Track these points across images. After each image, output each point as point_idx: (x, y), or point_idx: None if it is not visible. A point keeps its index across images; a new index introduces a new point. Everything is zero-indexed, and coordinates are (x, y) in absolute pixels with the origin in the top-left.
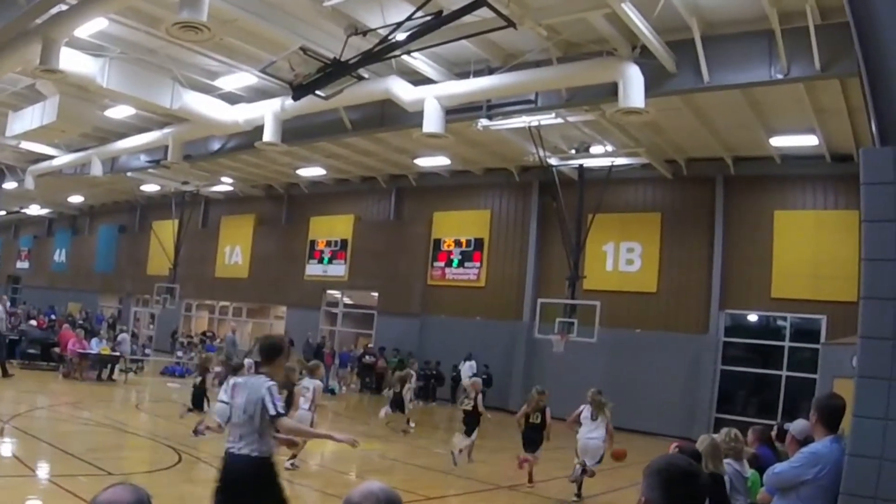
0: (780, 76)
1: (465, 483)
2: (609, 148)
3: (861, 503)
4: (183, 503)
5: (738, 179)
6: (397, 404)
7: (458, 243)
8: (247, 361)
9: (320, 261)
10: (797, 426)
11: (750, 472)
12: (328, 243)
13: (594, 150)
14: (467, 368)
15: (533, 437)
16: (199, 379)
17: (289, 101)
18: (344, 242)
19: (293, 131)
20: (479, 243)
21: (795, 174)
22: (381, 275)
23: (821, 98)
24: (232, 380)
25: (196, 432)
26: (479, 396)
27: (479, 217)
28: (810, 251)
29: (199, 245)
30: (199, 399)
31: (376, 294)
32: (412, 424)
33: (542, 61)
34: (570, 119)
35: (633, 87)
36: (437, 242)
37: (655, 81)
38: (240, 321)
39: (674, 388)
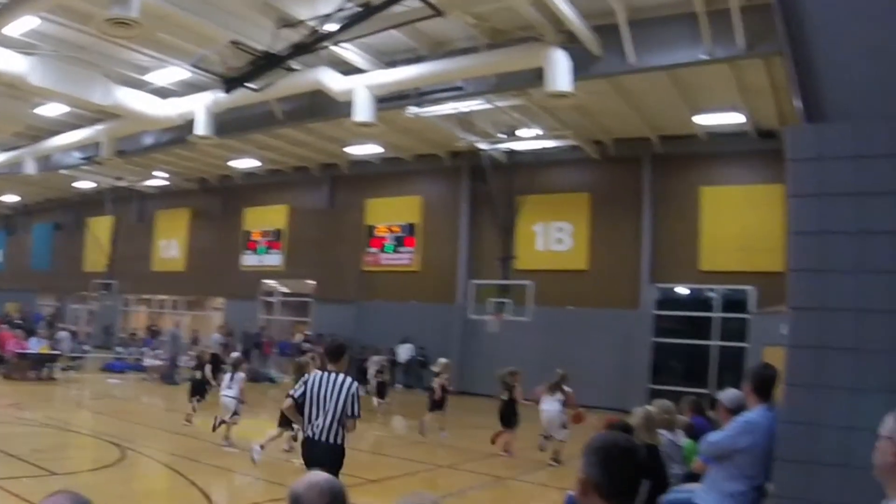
0: (704, 57)
1: (404, 464)
2: (537, 131)
3: (795, 469)
4: (126, 500)
5: (665, 158)
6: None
7: (391, 229)
8: (233, 355)
9: (256, 251)
10: (728, 395)
11: (685, 441)
12: (263, 234)
13: (523, 133)
14: (404, 351)
15: (507, 414)
16: (198, 373)
17: (221, 95)
18: (279, 232)
19: (226, 124)
20: (411, 228)
21: (721, 151)
22: (317, 263)
23: (745, 77)
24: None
25: (214, 428)
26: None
27: (412, 203)
28: (738, 225)
29: (136, 240)
30: (200, 390)
31: (312, 282)
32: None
33: (470, 49)
34: (499, 104)
35: (560, 71)
36: (371, 229)
37: (582, 65)
38: (178, 314)
39: (608, 362)
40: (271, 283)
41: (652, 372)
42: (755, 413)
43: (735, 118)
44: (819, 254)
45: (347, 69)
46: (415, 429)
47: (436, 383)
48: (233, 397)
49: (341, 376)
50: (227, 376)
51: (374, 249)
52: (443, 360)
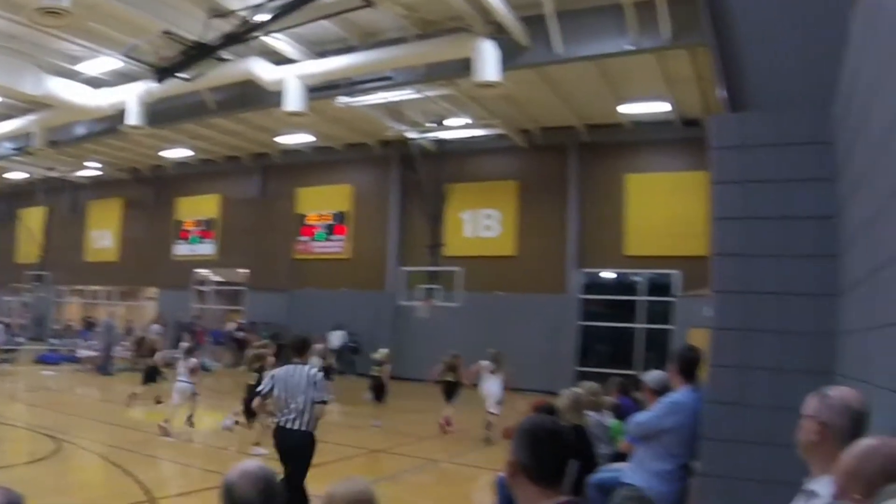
0: (630, 47)
1: (339, 449)
2: (466, 120)
3: (721, 447)
4: (61, 493)
5: (591, 146)
6: None
7: (322, 217)
8: (184, 344)
9: (188, 241)
10: (652, 377)
11: (612, 421)
12: (196, 223)
13: (451, 122)
14: (336, 338)
15: (451, 392)
16: (151, 360)
17: (153, 84)
18: (211, 222)
19: (158, 114)
20: (342, 217)
21: (647, 139)
22: (249, 251)
23: (670, 67)
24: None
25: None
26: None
27: (342, 191)
28: (662, 211)
29: (68, 231)
30: (151, 376)
31: (245, 271)
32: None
33: (400, 39)
34: (428, 94)
35: (488, 61)
36: (302, 217)
37: (510, 55)
38: (111, 304)
39: (537, 346)
40: (204, 272)
41: (579, 355)
42: (680, 394)
43: (660, 107)
44: (742, 239)
45: (278, 59)
46: (350, 414)
47: (382, 372)
48: (188, 382)
49: (306, 367)
50: (180, 363)
51: (305, 238)
52: (384, 350)
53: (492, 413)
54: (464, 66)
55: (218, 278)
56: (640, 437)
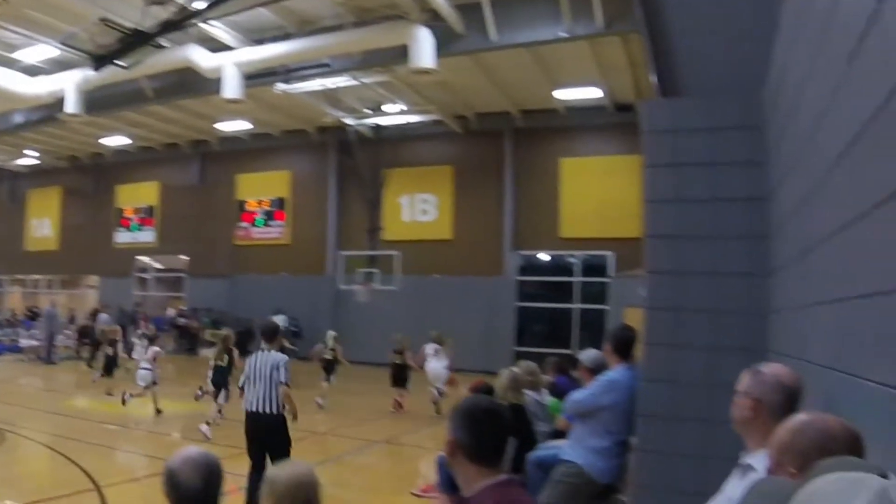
0: (564, 34)
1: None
2: (402, 107)
3: (657, 423)
4: (6, 484)
5: (525, 131)
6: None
7: (261, 203)
8: (147, 332)
9: (129, 228)
10: (588, 356)
11: (549, 399)
12: (136, 211)
13: (388, 109)
14: (278, 322)
15: (400, 376)
16: (110, 349)
17: (91, 72)
18: (151, 209)
19: (96, 102)
20: (281, 203)
21: (580, 124)
22: (190, 238)
23: (604, 53)
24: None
25: (124, 402)
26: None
27: (281, 177)
28: (596, 194)
29: (7, 220)
30: (110, 366)
31: (185, 257)
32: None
33: (337, 26)
34: (365, 81)
35: (424, 48)
36: (242, 204)
37: (445, 43)
38: (53, 293)
39: (475, 327)
40: (145, 259)
41: (516, 335)
42: (616, 372)
43: (593, 93)
44: (674, 220)
45: (216, 46)
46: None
47: (335, 355)
48: (149, 369)
49: (274, 353)
50: (140, 346)
51: (245, 224)
52: (332, 333)
53: (438, 391)
54: (400, 54)
55: (159, 265)
56: (578, 415)
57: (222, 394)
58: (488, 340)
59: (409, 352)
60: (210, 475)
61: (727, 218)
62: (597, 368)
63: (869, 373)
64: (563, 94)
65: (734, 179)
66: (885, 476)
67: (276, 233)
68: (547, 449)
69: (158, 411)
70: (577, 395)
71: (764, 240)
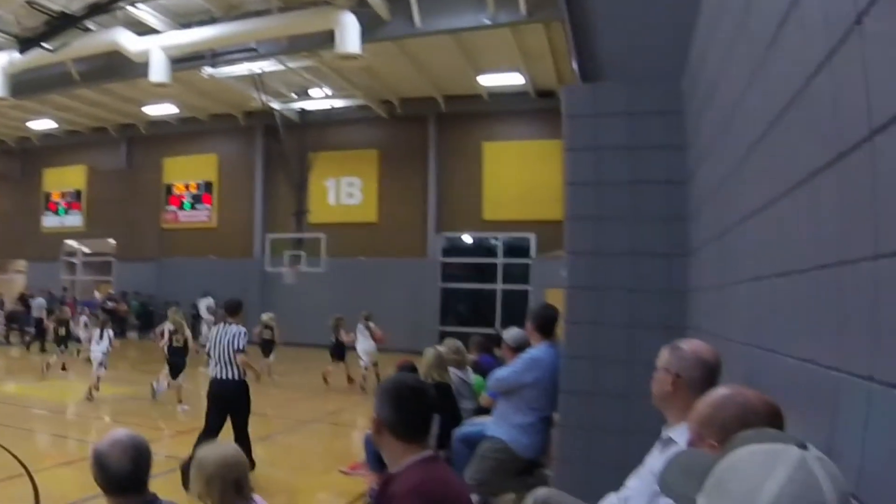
0: (488, 21)
1: None
2: (328, 91)
3: (579, 399)
4: None
5: (449, 116)
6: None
7: (188, 187)
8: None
9: (56, 212)
10: (510, 334)
11: (474, 377)
12: (63, 195)
13: (314, 93)
14: (205, 305)
15: (336, 351)
16: (62, 328)
17: (16, 55)
18: (78, 193)
19: (22, 85)
20: (208, 186)
21: (503, 109)
22: (117, 222)
23: (526, 40)
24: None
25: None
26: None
27: (208, 161)
28: (518, 177)
29: None
30: (63, 342)
31: (113, 241)
32: None
33: (264, 11)
34: (291, 65)
35: (349, 34)
36: (169, 187)
37: (370, 28)
38: None
39: (400, 308)
40: (73, 243)
41: (441, 315)
42: (539, 350)
43: (516, 79)
44: (594, 202)
45: (143, 30)
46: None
47: (273, 334)
48: (102, 352)
49: (235, 326)
50: (96, 333)
51: (172, 207)
52: (270, 314)
53: (367, 368)
54: (326, 39)
55: (86, 249)
56: (501, 392)
57: (181, 375)
58: (413, 321)
59: (344, 330)
60: (139, 457)
61: (646, 200)
62: (519, 347)
63: (786, 348)
64: (487, 80)
65: (654, 163)
66: (804, 447)
67: (203, 216)
68: (472, 426)
69: (91, 395)
70: (500, 373)
71: (683, 221)
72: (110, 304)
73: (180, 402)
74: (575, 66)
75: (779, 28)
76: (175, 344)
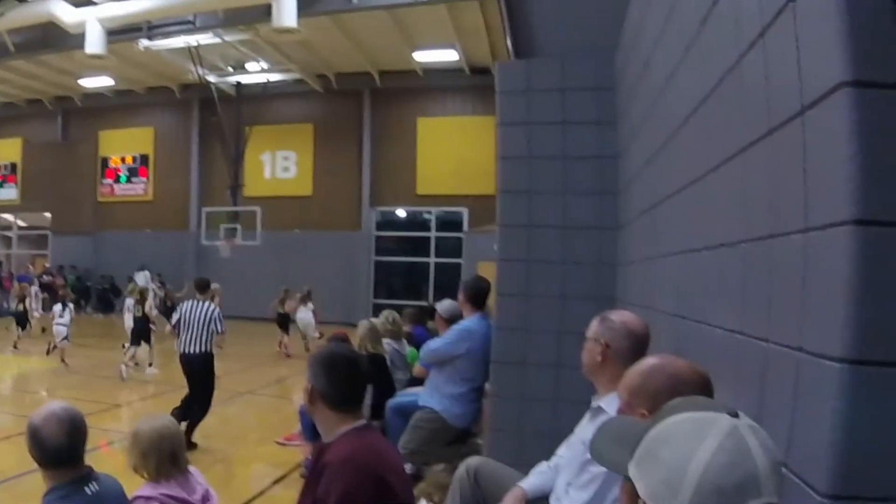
0: None
1: (147, 387)
2: (264, 65)
3: (510, 370)
4: None
5: (384, 91)
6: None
7: (125, 160)
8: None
9: None
10: (443, 306)
11: (408, 349)
12: None
13: (250, 67)
14: (141, 278)
15: (283, 322)
16: (20, 305)
17: None
18: (13, 166)
19: None
20: (144, 159)
21: (437, 85)
22: (53, 195)
23: (461, 17)
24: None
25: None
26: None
27: (144, 134)
28: (452, 152)
29: None
30: (23, 321)
31: (49, 215)
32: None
33: None
34: (228, 39)
35: (286, 7)
36: (105, 160)
37: (307, 2)
38: None
39: (335, 281)
40: (8, 217)
41: (375, 288)
42: (470, 321)
43: (450, 55)
44: (526, 176)
45: (79, 1)
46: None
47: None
48: (64, 325)
49: (206, 303)
50: (57, 307)
51: (108, 180)
52: (216, 285)
53: (311, 337)
54: (263, 12)
55: (22, 223)
56: (434, 363)
57: (144, 345)
58: (348, 293)
59: (289, 301)
60: (74, 431)
61: (578, 175)
62: (452, 318)
63: (715, 319)
64: (421, 56)
65: (585, 138)
66: (735, 415)
67: (139, 189)
68: (405, 396)
69: (65, 363)
70: (433, 344)
71: (613, 195)
72: (46, 279)
73: (150, 364)
74: (509, 42)
75: (713, 5)
76: (135, 314)
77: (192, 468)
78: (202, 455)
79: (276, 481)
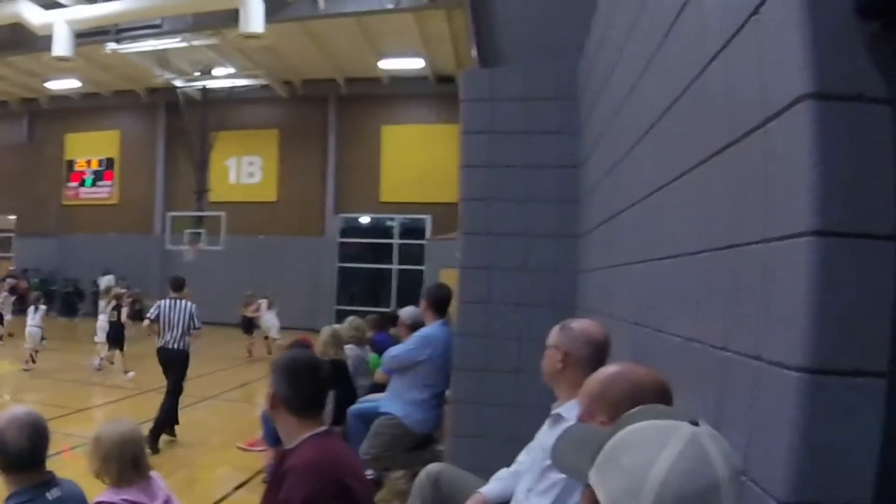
0: (390, 6)
1: (113, 391)
2: (231, 70)
3: (471, 376)
4: None
5: (349, 98)
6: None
7: (90, 163)
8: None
9: None
10: (406, 312)
11: (371, 355)
12: None
13: (217, 72)
14: (106, 282)
15: (248, 326)
16: None
17: None
18: None
19: None
20: (110, 163)
21: (402, 93)
22: (17, 197)
23: (427, 26)
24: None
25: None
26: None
27: (110, 137)
28: (415, 160)
29: None
30: None
31: (13, 217)
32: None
33: None
34: (195, 43)
35: (254, 13)
36: (71, 163)
37: (275, 8)
38: None
39: (298, 286)
40: None
41: (338, 294)
42: (432, 328)
43: (416, 63)
44: (489, 184)
45: (47, 3)
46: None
47: None
48: (38, 327)
49: (184, 301)
50: (31, 309)
51: (73, 184)
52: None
53: (274, 339)
54: (231, 17)
55: None
56: (396, 369)
57: (117, 351)
58: (311, 299)
59: (254, 306)
60: (36, 435)
61: (540, 183)
62: (415, 325)
63: (673, 328)
64: (387, 64)
65: (548, 147)
66: (696, 424)
67: (104, 193)
68: (367, 402)
69: (34, 362)
70: (395, 350)
71: (574, 204)
72: (10, 281)
73: (125, 372)
74: (474, 51)
75: (677, 16)
76: (111, 319)
77: (153, 473)
78: (164, 460)
79: (239, 486)
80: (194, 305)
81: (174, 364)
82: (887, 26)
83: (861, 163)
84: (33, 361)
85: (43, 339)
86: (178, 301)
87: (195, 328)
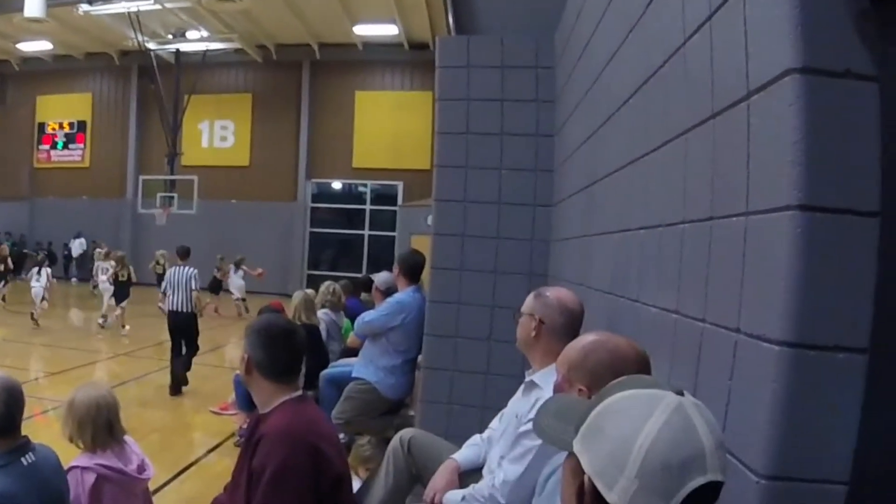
0: None
1: (86, 355)
2: (204, 33)
3: (443, 342)
4: None
5: (323, 64)
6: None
7: (62, 126)
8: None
9: None
10: (380, 278)
11: (345, 320)
12: None
13: (190, 35)
14: (77, 245)
15: (215, 286)
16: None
17: None
18: None
19: None
20: (82, 125)
21: (376, 59)
22: None
23: None
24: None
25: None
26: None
27: (82, 100)
28: (388, 126)
29: None
30: (3, 277)
31: None
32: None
33: None
34: (168, 5)
35: None
36: (42, 126)
37: None
38: None
39: (270, 251)
40: None
41: (309, 259)
42: (405, 294)
43: (390, 30)
44: (463, 152)
45: None
46: (94, 320)
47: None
48: (41, 287)
49: (187, 268)
50: (34, 270)
51: (45, 146)
52: (162, 251)
53: (241, 300)
54: None
55: None
56: (369, 335)
57: (125, 301)
58: (282, 264)
59: (224, 269)
60: (11, 399)
61: (515, 151)
62: (389, 291)
63: (650, 298)
64: (362, 30)
65: (524, 116)
66: (680, 393)
67: (76, 156)
68: (339, 367)
69: (36, 323)
70: (368, 316)
71: (549, 173)
72: None
73: (123, 326)
74: (450, 18)
75: None
76: (120, 279)
77: (127, 438)
78: (137, 424)
79: (211, 450)
80: (196, 270)
81: (183, 327)
82: (877, 3)
83: (846, 139)
84: (35, 322)
85: (43, 299)
86: (182, 268)
87: (192, 289)
